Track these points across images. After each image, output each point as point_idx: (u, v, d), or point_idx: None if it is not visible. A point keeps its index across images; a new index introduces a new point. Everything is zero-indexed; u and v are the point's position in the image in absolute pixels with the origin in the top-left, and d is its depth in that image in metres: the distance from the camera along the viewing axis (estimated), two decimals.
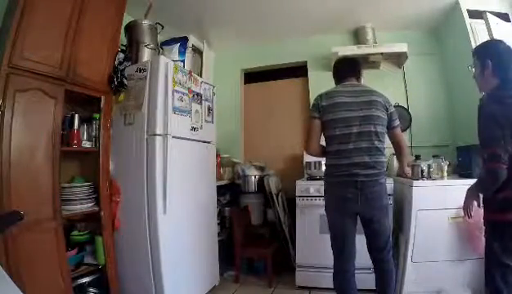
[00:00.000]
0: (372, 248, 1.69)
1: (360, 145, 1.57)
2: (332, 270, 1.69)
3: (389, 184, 2.19)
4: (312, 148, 1.68)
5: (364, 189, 1.55)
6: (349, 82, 1.71)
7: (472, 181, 1.92)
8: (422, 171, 2.09)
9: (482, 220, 1.40)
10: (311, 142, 1.66)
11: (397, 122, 1.68)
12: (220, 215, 2.64)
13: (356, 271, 2.12)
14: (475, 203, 1.41)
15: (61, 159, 1.62)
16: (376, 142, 1.59)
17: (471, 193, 1.42)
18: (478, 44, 2.29)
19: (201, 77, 2.64)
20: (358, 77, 1.76)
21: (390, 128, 1.67)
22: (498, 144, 1.19)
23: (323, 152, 1.69)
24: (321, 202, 2.17)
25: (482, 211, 1.56)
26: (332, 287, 1.82)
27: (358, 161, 1.56)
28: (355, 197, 1.56)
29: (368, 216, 1.60)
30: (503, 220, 1.24)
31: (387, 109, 1.64)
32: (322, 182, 2.20)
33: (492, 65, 1.28)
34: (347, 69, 1.77)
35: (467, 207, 1.42)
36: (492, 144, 1.21)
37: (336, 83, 1.78)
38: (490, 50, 1.35)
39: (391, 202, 2.16)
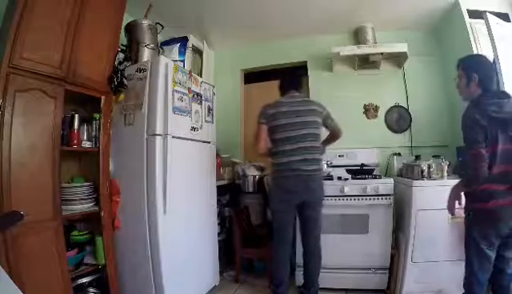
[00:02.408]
0: (307, 235, 1.98)
1: (300, 145, 1.89)
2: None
3: (389, 184, 2.19)
4: (261, 148, 1.99)
5: (305, 181, 1.87)
6: (291, 94, 2.03)
7: None
8: (422, 171, 2.10)
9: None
10: (259, 142, 1.98)
11: (330, 120, 2.03)
12: (220, 215, 2.63)
13: (355, 271, 2.17)
14: (457, 202, 1.56)
15: (61, 159, 1.62)
16: (314, 142, 1.93)
17: (454, 193, 1.57)
18: (478, 44, 2.32)
19: (201, 77, 2.64)
20: (298, 90, 2.09)
21: (327, 125, 2.02)
22: (481, 146, 1.38)
23: (270, 153, 2.01)
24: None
25: None
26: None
27: (300, 158, 1.88)
28: (298, 188, 1.86)
29: (307, 203, 1.90)
30: (483, 208, 1.42)
31: (322, 114, 1.98)
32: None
33: (478, 78, 1.47)
34: (288, 83, 2.09)
35: (451, 206, 1.57)
36: (477, 146, 1.39)
37: (281, 95, 2.08)
38: (476, 64, 1.53)
39: (391, 201, 2.17)
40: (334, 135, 2.10)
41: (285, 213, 1.94)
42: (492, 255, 1.44)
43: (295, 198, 1.90)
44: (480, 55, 1.63)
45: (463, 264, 1.93)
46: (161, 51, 2.45)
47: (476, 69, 1.49)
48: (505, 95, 1.47)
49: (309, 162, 1.89)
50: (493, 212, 1.40)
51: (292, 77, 2.18)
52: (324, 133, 2.10)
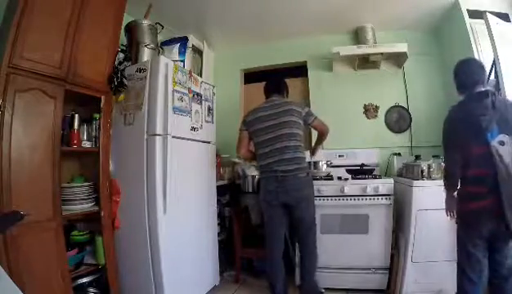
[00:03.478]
0: (297, 235, 2.01)
1: (278, 146, 1.92)
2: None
3: (389, 184, 2.19)
4: (242, 153, 2.11)
5: (284, 181, 1.88)
6: (272, 98, 2.08)
7: None
8: (422, 171, 2.10)
9: None
10: (240, 149, 2.09)
11: (312, 118, 2.02)
12: (220, 215, 2.63)
13: (355, 271, 2.17)
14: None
15: (61, 159, 1.62)
16: (292, 142, 1.92)
17: (447, 197, 1.65)
18: (478, 44, 2.32)
19: (201, 77, 2.64)
20: (282, 94, 2.13)
21: (309, 123, 2.03)
22: (455, 150, 1.48)
23: (254, 156, 2.09)
24: (321, 202, 2.19)
25: None
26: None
27: (277, 159, 1.91)
28: (277, 189, 1.89)
29: (290, 204, 1.90)
30: (466, 209, 1.47)
31: (301, 113, 1.98)
32: (322, 182, 2.26)
33: (456, 83, 1.58)
34: (270, 87, 2.14)
35: (449, 210, 1.66)
36: (450, 150, 1.51)
37: (266, 98, 2.13)
38: (456, 70, 1.60)
39: (391, 201, 2.16)
40: (320, 134, 2.13)
41: (270, 213, 1.97)
42: (480, 255, 1.44)
43: (275, 198, 1.91)
44: (461, 61, 1.63)
45: None
46: (161, 51, 2.45)
47: (455, 75, 1.58)
48: (484, 95, 1.44)
49: (287, 162, 1.89)
50: (474, 214, 1.43)
51: (273, 81, 2.20)
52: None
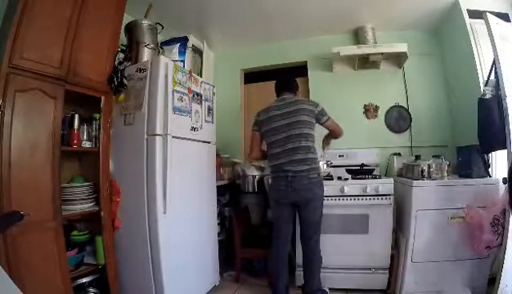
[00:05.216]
0: (302, 236, 2.01)
1: (289, 146, 1.91)
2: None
3: (389, 184, 2.19)
4: (254, 154, 2.12)
5: (294, 181, 1.87)
6: (283, 96, 2.05)
7: (472, 181, 1.96)
8: (422, 171, 2.10)
9: (482, 220, 1.51)
10: (253, 150, 2.11)
11: (324, 118, 1.99)
12: (220, 215, 2.63)
13: (355, 271, 2.17)
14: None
15: (61, 159, 1.62)
16: (304, 142, 1.90)
17: None
18: (478, 44, 2.32)
19: (201, 77, 2.64)
20: (293, 91, 2.09)
21: (321, 123, 2.00)
22: None
23: (265, 155, 2.08)
24: None
25: (481, 211, 1.63)
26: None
27: (288, 159, 1.90)
28: (287, 188, 1.88)
29: (299, 204, 1.91)
30: None
31: (313, 112, 1.95)
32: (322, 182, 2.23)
33: None
34: (281, 85, 2.13)
35: None
36: None
37: (277, 96, 2.11)
38: None
39: (391, 201, 2.16)
40: (331, 133, 2.11)
41: (279, 211, 1.98)
42: None
43: (284, 198, 1.92)
44: None
45: (463, 264, 1.94)
46: (161, 51, 2.45)
47: None
48: None
49: (297, 163, 1.88)
50: None
51: (284, 78, 2.18)
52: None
